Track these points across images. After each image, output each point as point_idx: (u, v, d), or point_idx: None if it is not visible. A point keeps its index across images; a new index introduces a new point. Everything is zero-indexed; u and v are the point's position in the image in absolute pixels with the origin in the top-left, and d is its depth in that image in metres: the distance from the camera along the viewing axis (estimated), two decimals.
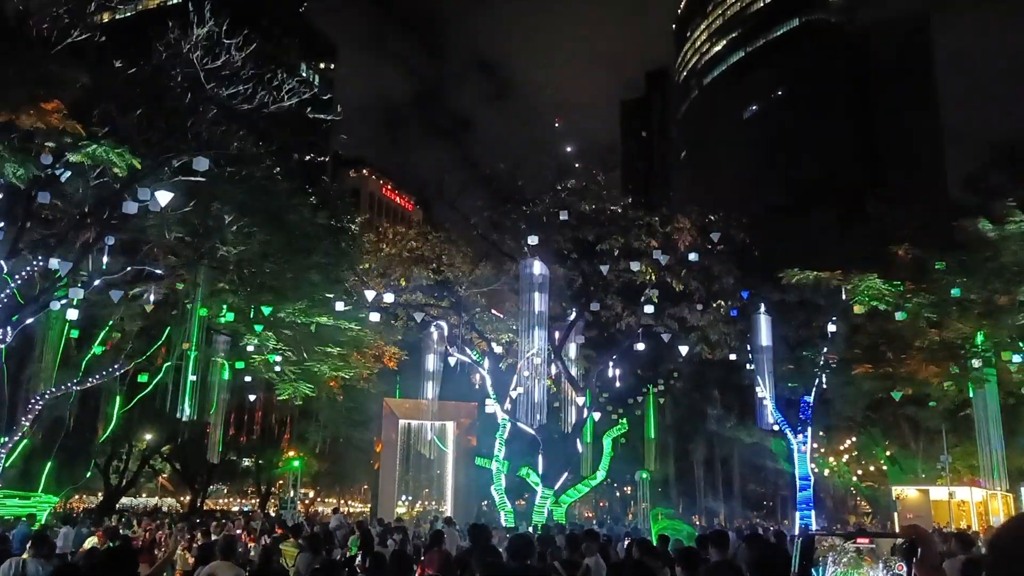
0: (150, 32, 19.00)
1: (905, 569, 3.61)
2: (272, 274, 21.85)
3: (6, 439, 20.12)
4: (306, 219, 22.60)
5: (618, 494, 49.63)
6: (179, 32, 18.20)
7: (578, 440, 26.23)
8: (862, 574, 3.63)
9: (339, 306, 22.61)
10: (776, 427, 27.86)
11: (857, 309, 23.65)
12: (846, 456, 41.32)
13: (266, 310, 21.88)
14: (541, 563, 9.93)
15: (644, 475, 33.97)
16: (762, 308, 25.40)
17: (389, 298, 23.87)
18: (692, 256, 23.20)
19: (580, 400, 26.07)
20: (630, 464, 36.02)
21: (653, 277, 23.79)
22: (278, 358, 25.42)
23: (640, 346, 25.08)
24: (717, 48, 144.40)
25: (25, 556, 10.19)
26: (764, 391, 25.93)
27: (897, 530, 3.92)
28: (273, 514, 33.57)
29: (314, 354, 26.31)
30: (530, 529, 21.79)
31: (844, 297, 24.45)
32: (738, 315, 25.37)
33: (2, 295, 16.78)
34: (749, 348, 26.18)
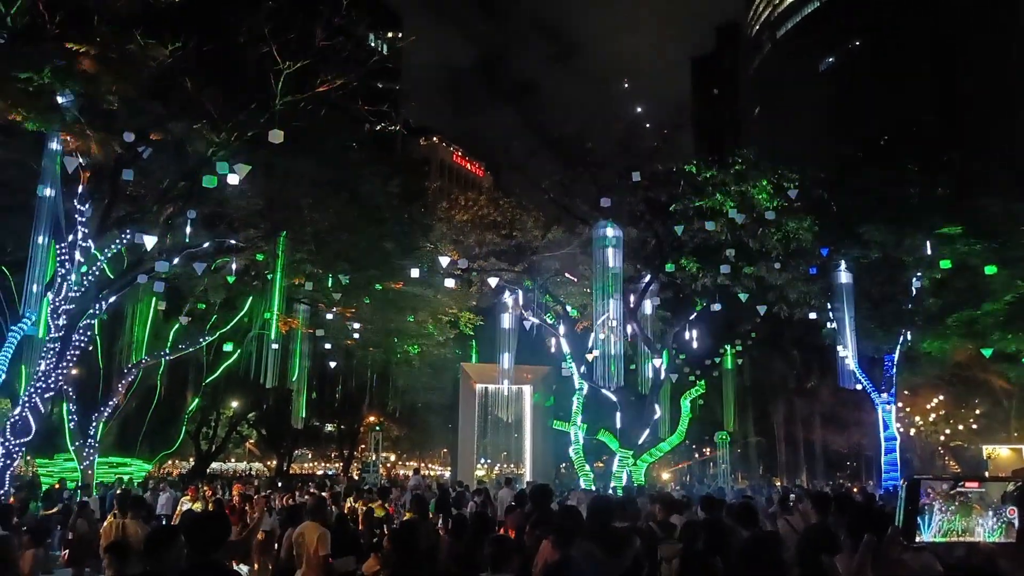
0: (223, 8, 19.32)
1: (1018, 515, 3.44)
2: (348, 243, 22.17)
3: (103, 407, 21.06)
4: (379, 188, 22.80)
5: (697, 456, 49.33)
6: (250, 7, 18.45)
7: (656, 402, 26.07)
8: (970, 521, 3.46)
9: (414, 273, 22.84)
10: (859, 386, 27.14)
11: (943, 263, 22.77)
12: (933, 415, 40.09)
13: (343, 279, 22.25)
14: (624, 525, 9.91)
15: (723, 437, 33.63)
16: (842, 265, 24.63)
17: (463, 264, 23.99)
18: (769, 214, 22.60)
19: (657, 362, 25.87)
20: (708, 426, 35.71)
21: (729, 236, 23.30)
22: (356, 325, 25.88)
23: (717, 306, 24.69)
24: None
25: (124, 518, 10.66)
26: (846, 350, 25.24)
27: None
28: (356, 477, 34.46)
29: (390, 321, 26.72)
30: (609, 491, 21.86)
31: (929, 252, 23.54)
32: (817, 272, 24.67)
33: (93, 271, 17.41)
34: (829, 306, 25.49)
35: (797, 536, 7.36)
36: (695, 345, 28.16)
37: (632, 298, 25.08)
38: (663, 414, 27.08)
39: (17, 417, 16.48)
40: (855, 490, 26.61)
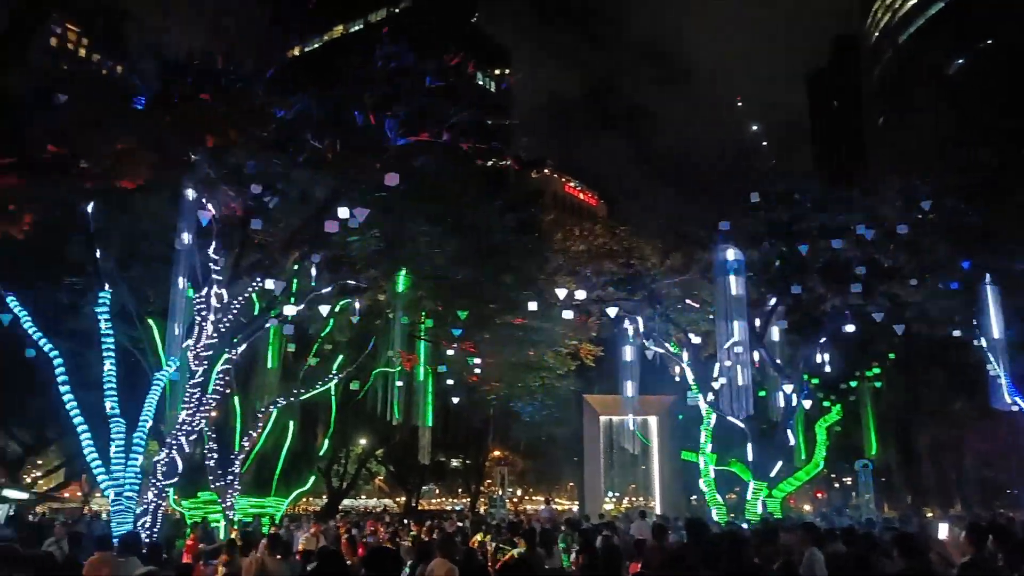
0: (336, 60, 20.06)
1: None
2: (465, 279, 22.41)
3: (240, 447, 21.89)
4: (494, 223, 22.99)
5: (837, 485, 47.01)
6: (363, 57, 19.08)
7: (789, 430, 25.02)
8: None
9: (532, 306, 22.83)
10: (1015, 408, 25.22)
11: None
12: None
13: (462, 315, 22.46)
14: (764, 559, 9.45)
15: (865, 464, 31.91)
16: (987, 279, 23.08)
17: (581, 295, 23.83)
18: (900, 228, 21.46)
19: (788, 388, 24.86)
20: (847, 453, 33.99)
21: (858, 253, 22.27)
22: (477, 360, 26.07)
23: (849, 328, 23.54)
24: (912, 2, 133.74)
25: (261, 554, 10.97)
26: (997, 368, 23.55)
27: None
28: (483, 512, 34.52)
29: (511, 354, 26.78)
30: (744, 523, 21.04)
31: None
32: (959, 287, 23.19)
33: (227, 317, 18.19)
34: (975, 322, 23.88)
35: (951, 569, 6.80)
36: (828, 369, 26.92)
37: (758, 322, 24.27)
38: (797, 442, 25.95)
39: (164, 459, 17.29)
40: (1014, 519, 24.64)
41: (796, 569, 8.97)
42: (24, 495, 33.74)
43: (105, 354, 16.65)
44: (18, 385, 23.07)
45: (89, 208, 16.13)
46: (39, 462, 41.30)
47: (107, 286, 16.72)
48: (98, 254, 16.57)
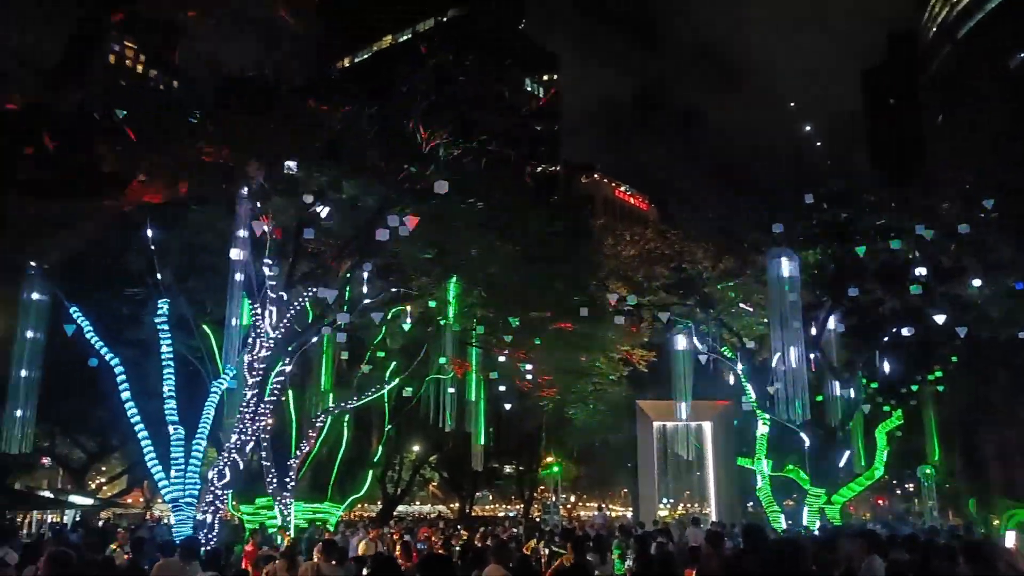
0: (385, 70, 20.28)
1: None
2: (516, 285, 22.42)
3: (296, 454, 22.20)
4: (543, 229, 22.98)
5: (899, 492, 45.86)
6: (412, 67, 19.26)
7: (847, 435, 24.50)
8: None
9: (583, 311, 22.75)
10: None
11: None
12: None
13: (513, 321, 22.47)
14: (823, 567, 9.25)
15: (928, 470, 31.04)
16: None
17: (632, 300, 23.66)
18: (961, 227, 20.86)
19: (846, 393, 24.33)
20: (909, 459, 33.11)
21: (917, 254, 21.71)
22: (528, 366, 26.05)
23: (909, 330, 22.96)
24: None
25: (317, 560, 11.08)
26: None
27: None
28: (537, 518, 34.47)
29: (562, 361, 26.70)
30: (801, 530, 20.66)
31: None
32: None
33: (282, 326, 18.48)
34: None
35: None
36: (888, 372, 26.28)
37: (814, 326, 23.81)
38: (857, 448, 25.38)
39: (221, 464, 17.62)
40: None
41: None
42: (89, 501, 34.67)
43: (164, 363, 17.05)
44: (83, 394, 23.71)
45: (147, 221, 16.53)
46: (103, 469, 42.44)
47: (165, 297, 17.12)
48: (156, 266, 16.98)
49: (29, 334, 17.05)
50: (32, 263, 16.80)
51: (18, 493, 32.55)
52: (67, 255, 16.77)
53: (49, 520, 34.48)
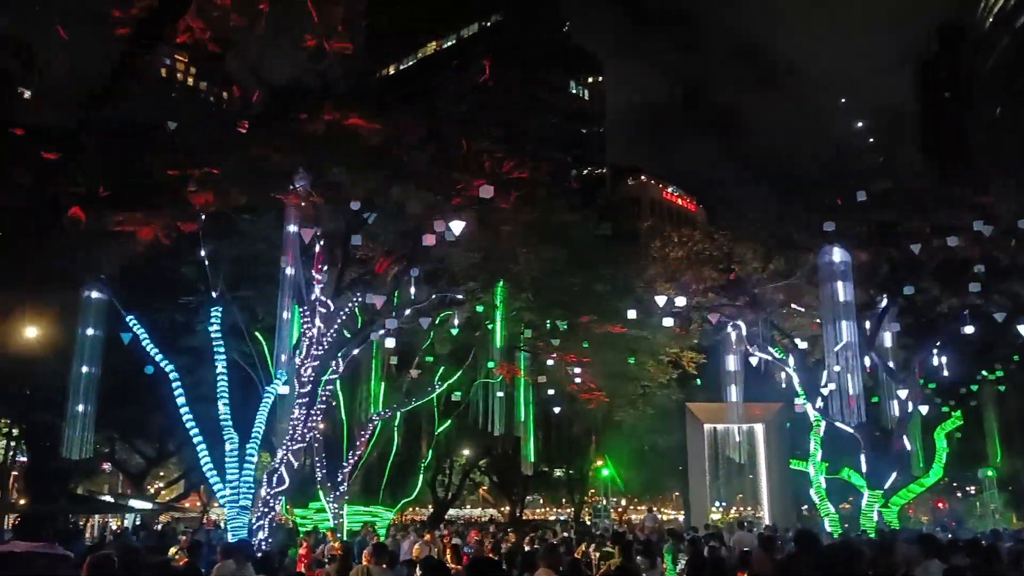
0: (430, 76, 20.42)
1: None
2: (563, 289, 22.38)
3: (347, 458, 22.45)
4: (589, 232, 22.91)
5: (959, 495, 44.68)
6: (455, 73, 19.35)
7: (904, 437, 23.94)
8: None
9: (631, 314, 22.62)
10: None
11: None
12: None
13: (561, 324, 22.44)
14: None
15: (990, 473, 30.20)
16: None
17: (681, 302, 23.46)
18: (1022, 223, 20.24)
19: (902, 393, 23.79)
20: (970, 461, 32.25)
21: (975, 252, 21.13)
22: (577, 370, 25.99)
23: (968, 329, 22.35)
24: None
25: (367, 563, 11.17)
26: None
27: None
28: (588, 522, 34.32)
29: (610, 364, 26.58)
30: (859, 534, 20.25)
31: None
32: None
33: (331, 331, 18.69)
34: None
35: None
36: (946, 373, 25.64)
37: (868, 326, 23.34)
38: (915, 449, 24.79)
39: (274, 469, 17.88)
40: None
41: None
42: (148, 505, 35.48)
43: (217, 370, 17.37)
44: (140, 401, 24.25)
45: (199, 231, 16.85)
46: (161, 474, 43.37)
47: (218, 305, 17.45)
48: (209, 275, 17.30)
49: (90, 331, 17.53)
50: (88, 273, 17.26)
51: (81, 498, 33.46)
52: (122, 266, 17.16)
53: (112, 525, 35.37)
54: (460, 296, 21.23)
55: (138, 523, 32.16)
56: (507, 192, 18.25)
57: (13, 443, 33.55)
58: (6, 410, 28.71)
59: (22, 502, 32.73)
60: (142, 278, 19.00)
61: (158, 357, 17.41)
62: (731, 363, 25.60)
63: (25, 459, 33.80)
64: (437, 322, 22.15)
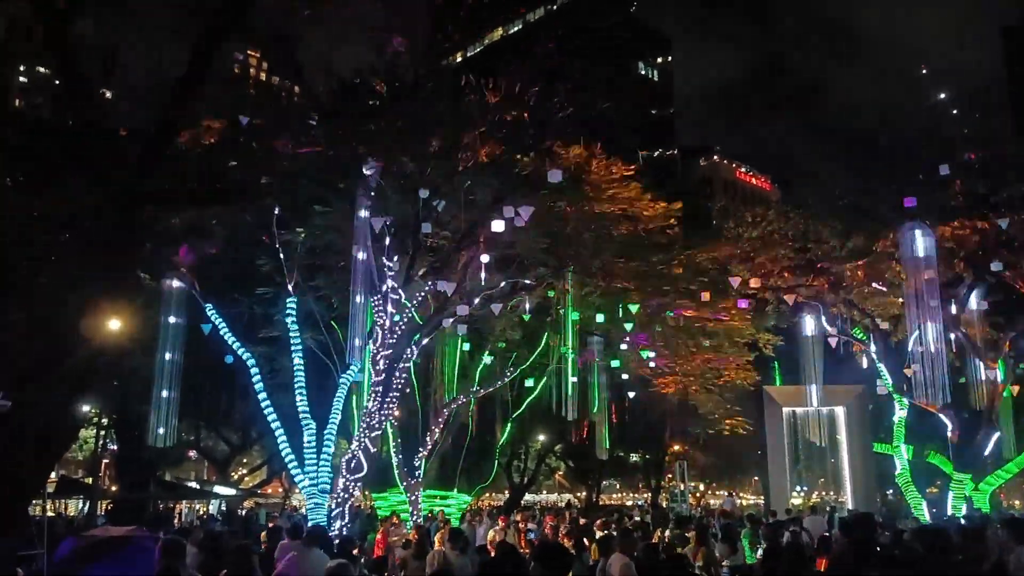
0: (496, 62, 20.37)
1: None
2: (634, 273, 22.16)
3: (423, 444, 22.73)
4: (659, 214, 22.61)
5: None
6: (521, 59, 19.26)
7: (995, 418, 23.03)
8: None
9: (704, 296, 22.27)
10: None
11: None
12: None
13: (632, 308, 22.23)
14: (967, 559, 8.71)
15: None
16: None
17: (755, 283, 22.99)
18: None
19: (992, 373, 22.86)
20: None
21: None
22: (651, 354, 25.73)
23: None
24: None
25: (444, 548, 11.30)
26: None
27: None
28: (665, 507, 34.03)
29: (685, 347, 26.26)
30: (945, 519, 19.63)
31: None
32: None
33: (404, 319, 18.90)
34: None
35: None
36: None
37: (954, 304, 22.47)
38: (1006, 432, 23.83)
39: (352, 455, 18.22)
40: None
41: (1008, 569, 8.22)
42: (232, 491, 36.62)
43: (294, 358, 17.75)
44: (224, 390, 24.99)
45: (274, 224, 17.21)
46: (244, 461, 44.71)
47: (294, 295, 17.81)
48: (284, 266, 17.66)
49: (172, 319, 18.14)
50: (169, 268, 17.81)
51: (168, 484, 34.75)
52: (201, 259, 17.66)
53: (199, 510, 36.66)
54: (530, 282, 21.21)
55: (223, 509, 33.26)
56: (577, 175, 18.12)
57: (103, 432, 34.98)
58: (101, 402, 29.91)
59: (114, 489, 34.20)
60: (220, 271, 19.54)
61: (237, 347, 17.88)
62: (809, 345, 24.98)
63: (115, 447, 35.24)
64: (508, 308, 22.18)
